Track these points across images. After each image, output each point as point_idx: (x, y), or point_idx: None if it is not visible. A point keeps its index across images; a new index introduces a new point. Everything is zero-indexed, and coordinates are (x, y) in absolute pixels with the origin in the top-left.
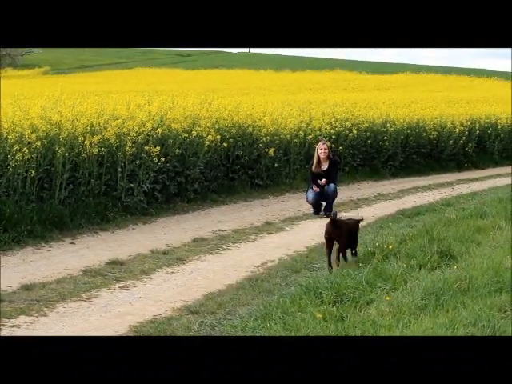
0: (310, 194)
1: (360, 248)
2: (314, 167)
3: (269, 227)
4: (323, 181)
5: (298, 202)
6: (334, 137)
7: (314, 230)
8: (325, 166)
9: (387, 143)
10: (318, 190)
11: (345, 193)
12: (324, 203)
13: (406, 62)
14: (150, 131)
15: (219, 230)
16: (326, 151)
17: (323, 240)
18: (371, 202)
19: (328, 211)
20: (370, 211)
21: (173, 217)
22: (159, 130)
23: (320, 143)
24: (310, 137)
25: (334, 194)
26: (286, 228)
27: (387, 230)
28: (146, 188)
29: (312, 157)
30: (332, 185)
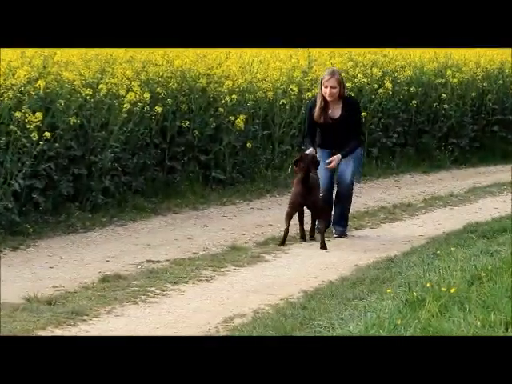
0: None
1: (399, 291)
2: (316, 115)
3: (236, 255)
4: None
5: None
6: (352, 94)
7: (316, 259)
8: (336, 112)
9: (446, 105)
10: (329, 165)
11: (372, 194)
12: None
13: None
14: (25, 85)
15: (148, 261)
16: (335, 90)
17: (330, 278)
18: (419, 211)
19: (340, 228)
20: (416, 226)
21: (66, 237)
22: (41, 83)
23: (325, 74)
24: (310, 94)
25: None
26: (267, 257)
27: (447, 259)
28: (17, 187)
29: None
30: (358, 150)
